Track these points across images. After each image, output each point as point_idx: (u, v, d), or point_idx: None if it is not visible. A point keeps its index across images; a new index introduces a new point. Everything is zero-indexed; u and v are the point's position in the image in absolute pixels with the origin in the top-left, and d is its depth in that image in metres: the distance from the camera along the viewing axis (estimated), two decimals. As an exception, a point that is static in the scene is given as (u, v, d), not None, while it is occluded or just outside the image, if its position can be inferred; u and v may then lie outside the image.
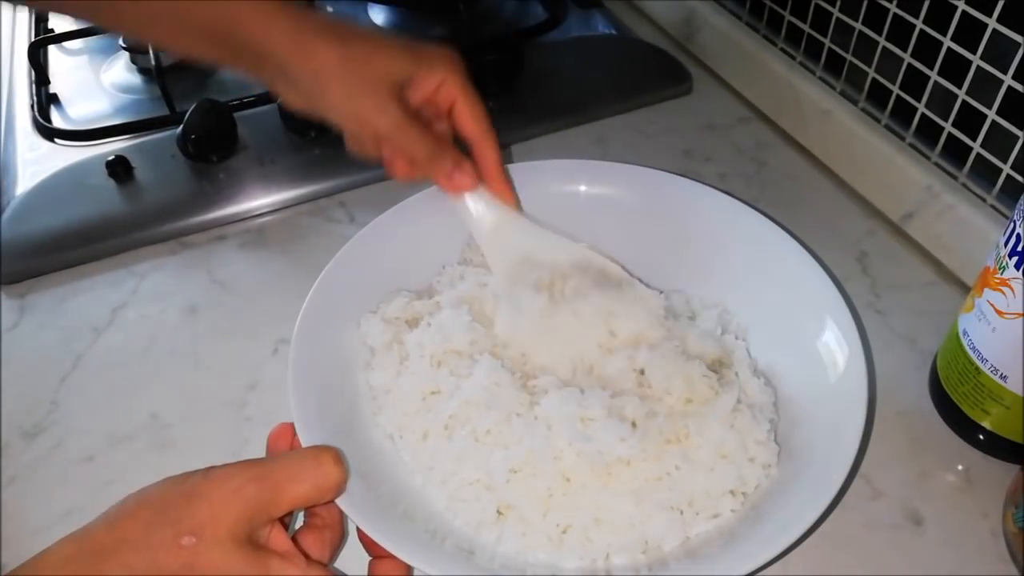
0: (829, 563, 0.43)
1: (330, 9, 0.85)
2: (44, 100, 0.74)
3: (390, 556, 0.38)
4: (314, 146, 0.67)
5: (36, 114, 0.72)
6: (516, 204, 0.52)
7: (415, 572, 0.40)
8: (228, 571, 0.33)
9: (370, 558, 0.39)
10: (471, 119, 0.49)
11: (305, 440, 0.40)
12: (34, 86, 0.75)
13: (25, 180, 0.65)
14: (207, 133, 0.65)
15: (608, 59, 0.78)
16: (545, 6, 0.84)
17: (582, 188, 0.56)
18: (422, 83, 0.47)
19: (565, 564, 0.40)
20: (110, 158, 0.64)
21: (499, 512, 0.41)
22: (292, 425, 0.41)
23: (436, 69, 0.47)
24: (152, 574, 0.32)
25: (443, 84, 0.47)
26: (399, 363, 0.47)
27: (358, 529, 0.39)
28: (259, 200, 0.64)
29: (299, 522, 0.40)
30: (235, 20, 0.43)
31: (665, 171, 0.56)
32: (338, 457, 0.37)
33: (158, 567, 0.32)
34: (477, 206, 0.51)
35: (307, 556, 0.36)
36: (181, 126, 0.65)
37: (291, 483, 0.35)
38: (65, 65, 0.80)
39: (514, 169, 0.55)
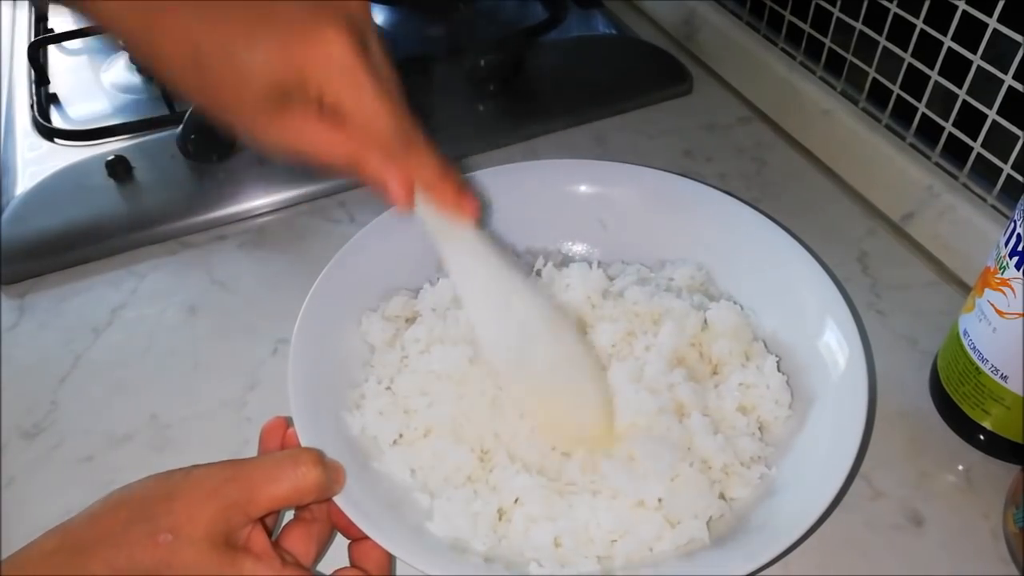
0: (829, 564, 0.43)
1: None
2: (44, 100, 0.74)
3: (367, 537, 0.37)
4: (314, 146, 0.67)
5: (36, 114, 0.71)
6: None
7: (412, 572, 0.40)
8: (201, 570, 0.33)
9: (348, 541, 0.39)
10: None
11: (304, 439, 0.40)
12: (34, 86, 0.75)
13: (25, 180, 0.65)
14: (207, 133, 0.64)
15: (608, 59, 0.78)
16: (545, 6, 0.83)
17: (582, 188, 0.56)
18: None
19: (564, 565, 0.40)
20: (110, 158, 0.64)
21: (498, 512, 0.41)
22: (285, 419, 0.41)
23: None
24: (130, 570, 0.32)
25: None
26: (399, 361, 0.47)
27: (333, 510, 0.38)
28: (259, 200, 0.64)
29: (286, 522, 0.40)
30: None
31: (665, 171, 0.56)
32: (318, 459, 0.37)
33: (135, 563, 0.32)
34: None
35: (283, 558, 0.36)
36: (181, 126, 0.65)
37: (268, 483, 0.35)
38: (65, 65, 0.80)
39: (514, 169, 0.55)
